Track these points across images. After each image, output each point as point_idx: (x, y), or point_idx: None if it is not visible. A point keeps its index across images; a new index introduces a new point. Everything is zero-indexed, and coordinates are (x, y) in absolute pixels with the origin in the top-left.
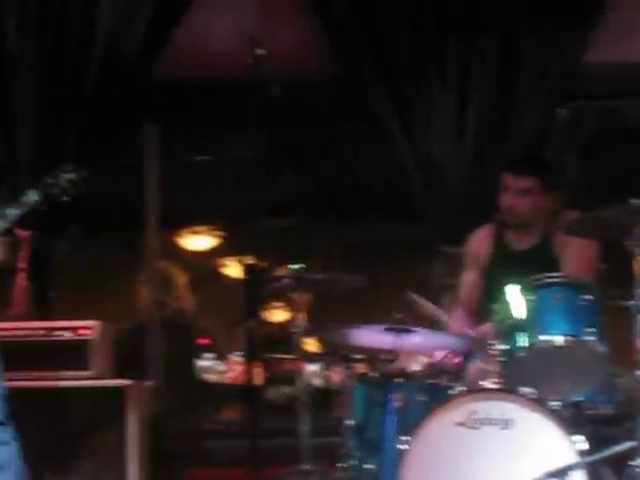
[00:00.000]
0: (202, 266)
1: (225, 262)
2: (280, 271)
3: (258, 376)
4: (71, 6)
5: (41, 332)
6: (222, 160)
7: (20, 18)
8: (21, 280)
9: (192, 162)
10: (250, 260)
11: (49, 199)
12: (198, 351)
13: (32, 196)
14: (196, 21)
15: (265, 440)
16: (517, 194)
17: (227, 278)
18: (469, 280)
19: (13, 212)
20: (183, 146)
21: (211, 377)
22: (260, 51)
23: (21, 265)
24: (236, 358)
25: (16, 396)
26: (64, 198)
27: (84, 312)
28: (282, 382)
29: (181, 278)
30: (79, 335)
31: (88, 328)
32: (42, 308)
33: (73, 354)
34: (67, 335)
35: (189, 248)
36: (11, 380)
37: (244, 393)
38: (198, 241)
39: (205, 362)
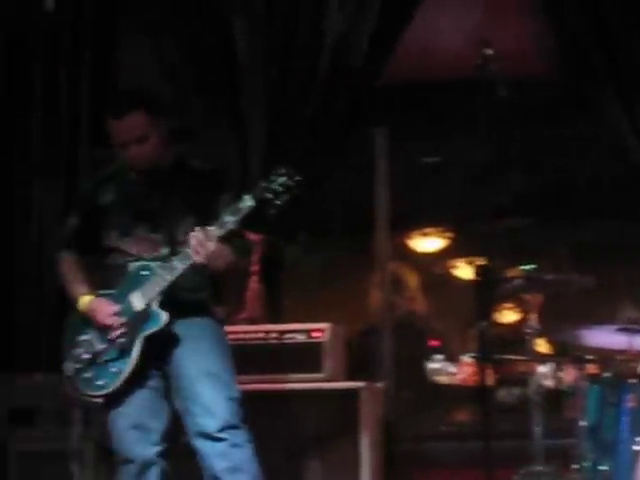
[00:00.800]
0: (432, 268)
1: (455, 264)
2: (511, 272)
3: (489, 378)
4: (299, 9)
5: (274, 335)
6: (451, 161)
7: (248, 23)
8: (253, 283)
9: (421, 163)
10: (481, 261)
11: (263, 204)
12: (429, 353)
13: (247, 202)
14: (423, 22)
15: (497, 442)
16: None
17: (458, 280)
18: None
19: (230, 219)
20: (412, 147)
21: (441, 379)
22: (488, 51)
23: (253, 268)
24: (466, 360)
25: (250, 399)
26: (277, 202)
27: (315, 315)
28: (513, 383)
29: (412, 280)
30: (312, 338)
31: (320, 331)
32: (273, 311)
33: (306, 357)
34: (300, 338)
35: (419, 250)
36: (245, 383)
37: (475, 395)
38: (428, 243)
39: (435, 364)
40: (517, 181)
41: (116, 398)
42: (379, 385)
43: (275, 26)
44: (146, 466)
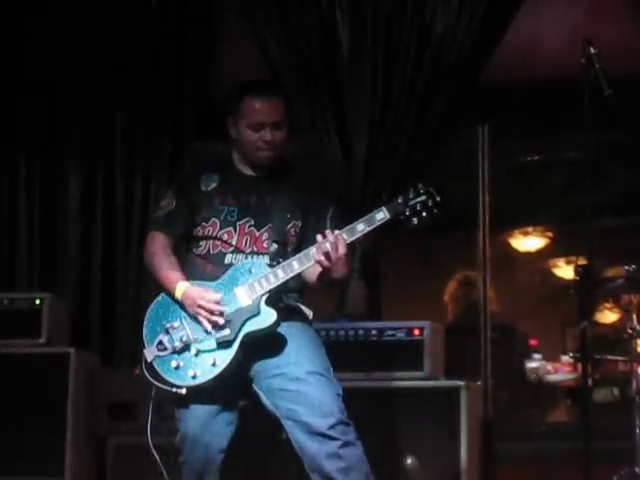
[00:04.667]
0: (533, 267)
1: (556, 263)
2: (613, 272)
3: (589, 377)
4: (404, 7)
5: (374, 332)
6: (553, 161)
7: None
8: (354, 281)
9: (523, 163)
10: (582, 261)
11: (397, 221)
12: (528, 352)
13: (381, 214)
14: (527, 21)
15: (596, 442)
16: None
17: (558, 279)
18: None
19: (362, 227)
20: (514, 146)
21: (540, 378)
22: (592, 50)
23: (353, 266)
24: (565, 359)
25: (350, 397)
26: (414, 221)
27: (413, 313)
28: (612, 383)
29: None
30: (412, 335)
31: (420, 328)
32: (373, 309)
33: (406, 354)
34: (400, 335)
35: (520, 249)
36: (346, 380)
37: (573, 394)
38: (528, 242)
39: (534, 363)
40: (619, 180)
41: (200, 392)
42: (477, 384)
43: (380, 23)
44: (207, 470)
